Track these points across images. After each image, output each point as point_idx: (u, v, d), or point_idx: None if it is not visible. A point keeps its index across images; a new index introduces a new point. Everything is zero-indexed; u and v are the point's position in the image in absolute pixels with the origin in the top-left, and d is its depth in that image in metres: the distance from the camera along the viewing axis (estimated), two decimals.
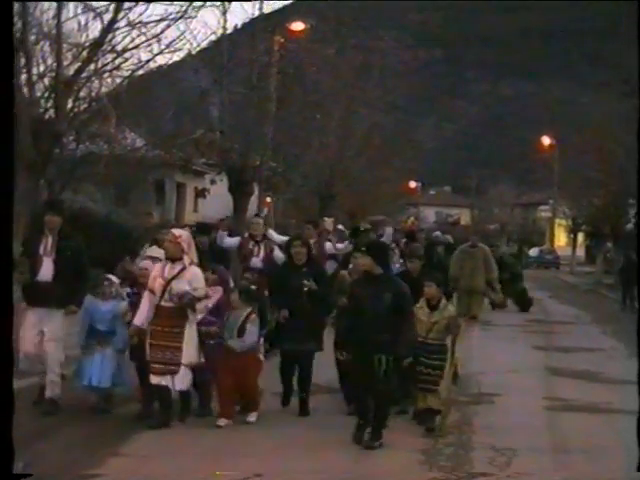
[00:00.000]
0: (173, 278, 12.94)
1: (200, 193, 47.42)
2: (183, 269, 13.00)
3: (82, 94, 21.21)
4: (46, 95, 20.70)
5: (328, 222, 25.01)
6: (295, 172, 37.22)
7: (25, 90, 19.74)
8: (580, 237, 72.98)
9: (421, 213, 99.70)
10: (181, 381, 12.98)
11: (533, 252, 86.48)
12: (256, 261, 18.66)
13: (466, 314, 25.60)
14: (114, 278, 14.34)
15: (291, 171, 36.94)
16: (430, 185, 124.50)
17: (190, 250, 13.20)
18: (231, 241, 19.77)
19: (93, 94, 21.57)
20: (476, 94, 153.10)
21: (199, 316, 13.21)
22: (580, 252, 74.39)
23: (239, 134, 32.20)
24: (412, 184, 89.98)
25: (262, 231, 19.24)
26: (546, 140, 74.38)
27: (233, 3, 28.49)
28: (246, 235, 19.85)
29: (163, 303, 12.92)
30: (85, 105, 21.62)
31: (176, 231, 13.61)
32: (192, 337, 13.05)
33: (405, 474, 10.95)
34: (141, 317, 13.07)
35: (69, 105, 20.76)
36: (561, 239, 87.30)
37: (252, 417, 13.61)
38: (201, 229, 18.86)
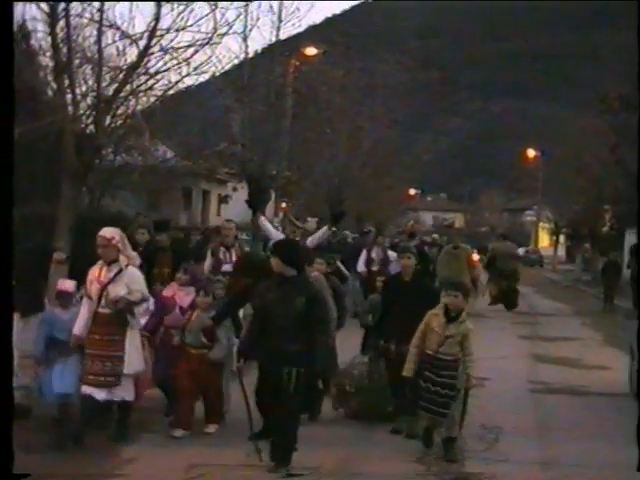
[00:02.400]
0: (109, 282, 10.87)
1: (223, 199, 47.48)
2: (120, 271, 10.92)
3: (119, 111, 21.28)
4: (88, 112, 20.74)
5: (311, 222, 23.20)
6: (307, 180, 37.24)
7: (70, 108, 19.81)
8: (561, 238, 72.78)
9: (420, 217, 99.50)
10: (123, 391, 10.92)
11: (520, 251, 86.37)
12: (227, 267, 15.56)
13: None
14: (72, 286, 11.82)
15: (304, 179, 36.94)
16: (428, 192, 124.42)
17: (126, 250, 11.13)
18: (271, 230, 17.19)
19: (129, 111, 21.66)
20: (469, 111, 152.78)
21: (142, 320, 11.29)
22: (561, 252, 74.17)
23: (258, 147, 32.17)
24: (412, 191, 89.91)
25: (233, 237, 16.33)
26: (531, 152, 74.27)
27: (253, 31, 28.48)
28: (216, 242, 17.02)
29: (100, 309, 10.82)
30: (122, 121, 21.73)
31: (107, 232, 11.12)
32: (134, 344, 10.99)
33: (401, 446, 11.00)
34: (80, 326, 11.01)
35: (108, 121, 20.81)
36: (544, 240, 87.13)
37: (211, 428, 11.57)
38: (159, 226, 16.45)
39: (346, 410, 12.76)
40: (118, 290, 10.81)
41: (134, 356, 10.91)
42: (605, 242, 48.26)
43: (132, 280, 10.96)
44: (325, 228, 17.03)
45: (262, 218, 17.75)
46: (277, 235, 16.46)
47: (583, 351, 20.61)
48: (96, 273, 11.02)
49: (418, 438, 11.12)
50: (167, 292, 12.43)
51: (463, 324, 10.94)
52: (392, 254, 21.43)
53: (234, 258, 15.59)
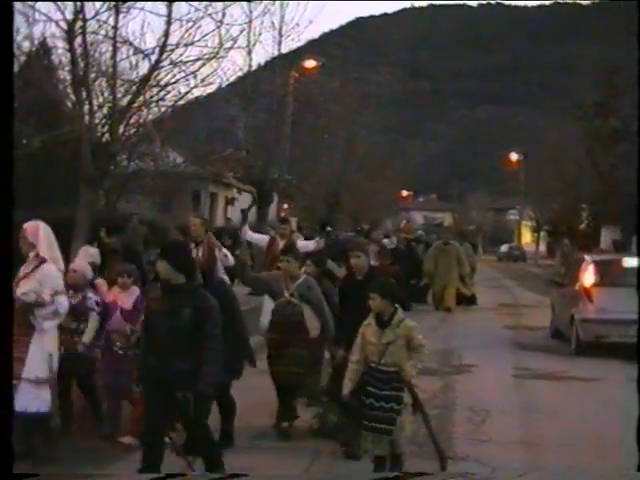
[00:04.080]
0: (23, 277, 9.34)
1: (229, 201, 47.42)
2: (35, 268, 9.36)
3: (132, 121, 21.33)
4: (103, 122, 20.82)
5: (291, 221, 21.88)
6: (307, 183, 37.28)
7: (87, 118, 19.85)
8: (542, 235, 72.78)
9: (411, 217, 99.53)
10: (23, 399, 8.91)
11: (504, 248, 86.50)
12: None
13: (440, 306, 25.47)
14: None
15: (304, 182, 36.98)
16: (419, 193, 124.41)
17: (40, 244, 9.36)
18: (259, 237, 16.45)
19: (141, 121, 21.69)
20: (456, 118, 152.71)
21: (47, 324, 9.24)
22: (542, 248, 74.12)
23: (261, 152, 32.35)
24: (404, 193, 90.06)
25: (202, 232, 13.66)
26: (513, 156, 74.31)
27: (256, 46, 28.56)
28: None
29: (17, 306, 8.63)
30: (135, 130, 21.76)
31: (27, 224, 9.52)
32: (40, 348, 9.16)
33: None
34: None
35: (122, 130, 20.88)
36: (527, 237, 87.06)
37: (127, 439, 9.78)
38: (111, 229, 14.88)
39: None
40: (28, 287, 9.23)
41: (36, 360, 9.09)
42: (583, 238, 48.32)
43: (46, 279, 9.32)
44: (317, 239, 16.30)
45: (246, 230, 16.24)
46: (264, 240, 15.91)
47: (562, 340, 20.61)
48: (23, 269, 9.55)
49: (358, 459, 9.58)
50: (108, 297, 10.83)
51: (401, 326, 9.04)
52: (385, 240, 21.12)
53: (201, 254, 13.42)
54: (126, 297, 10.63)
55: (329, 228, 28.78)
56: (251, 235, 16.25)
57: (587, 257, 20.30)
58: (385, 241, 20.86)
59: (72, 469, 8.19)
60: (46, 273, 9.34)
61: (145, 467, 7.86)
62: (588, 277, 18.59)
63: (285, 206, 41.18)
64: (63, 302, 9.47)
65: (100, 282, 11.24)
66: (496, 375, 15.44)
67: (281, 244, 14.27)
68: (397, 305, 9.19)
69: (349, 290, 10.54)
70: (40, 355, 9.15)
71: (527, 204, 73.99)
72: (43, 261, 9.36)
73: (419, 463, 9.05)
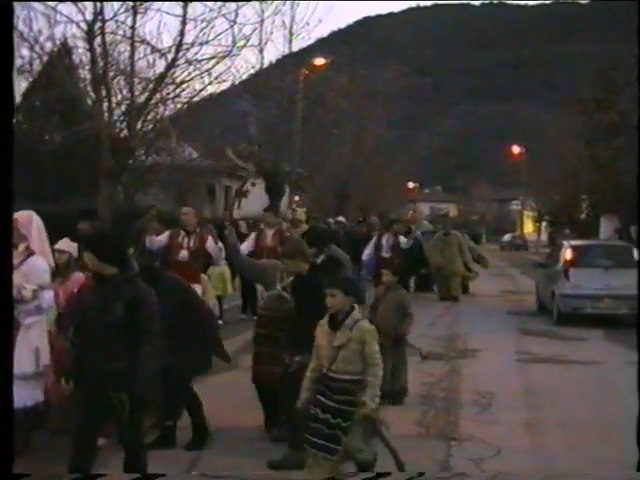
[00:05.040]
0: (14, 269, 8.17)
1: (243, 194, 47.41)
2: (23, 260, 8.64)
3: (150, 117, 21.43)
4: (122, 118, 20.91)
5: (299, 212, 20.14)
6: (317, 176, 37.26)
7: (106, 115, 19.92)
8: (543, 225, 72.72)
9: (418, 208, 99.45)
10: (31, 393, 8.52)
11: (507, 237, 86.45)
12: (184, 254, 13.01)
13: (446, 296, 25.23)
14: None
15: (314, 175, 36.96)
16: (425, 185, 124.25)
17: (31, 236, 8.76)
18: (245, 246, 14.22)
19: (158, 117, 21.76)
20: (460, 113, 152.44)
21: (30, 319, 8.55)
22: (544, 237, 74.05)
23: (273, 146, 32.35)
24: (410, 185, 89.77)
25: (193, 222, 13.18)
26: (516, 149, 74.27)
27: (267, 44, 28.53)
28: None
29: None
30: (152, 126, 21.83)
31: (18, 213, 8.73)
32: (26, 343, 8.52)
33: (405, 409, 11.02)
34: None
35: (139, 126, 20.96)
36: (529, 227, 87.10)
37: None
38: (84, 214, 12.98)
39: None
40: (15, 279, 8.10)
41: (22, 355, 8.28)
42: (583, 227, 48.29)
43: (30, 272, 8.64)
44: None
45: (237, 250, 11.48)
46: (250, 241, 14.10)
47: (563, 325, 20.60)
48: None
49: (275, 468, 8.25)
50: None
51: (356, 327, 7.50)
52: (403, 239, 20.43)
53: (192, 244, 13.10)
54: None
55: (340, 218, 28.74)
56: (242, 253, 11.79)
57: (565, 242, 23.69)
58: (402, 240, 20.17)
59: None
60: (33, 266, 8.67)
61: (74, 468, 6.99)
62: (566, 258, 21.39)
63: (296, 198, 41.18)
64: (47, 297, 8.76)
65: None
66: (500, 359, 15.43)
67: (269, 233, 13.19)
68: (355, 304, 7.69)
69: (295, 288, 8.99)
70: (26, 350, 8.46)
71: (529, 195, 74.08)
72: (31, 254, 8.70)
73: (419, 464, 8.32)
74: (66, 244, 9.47)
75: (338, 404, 7.41)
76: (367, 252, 20.16)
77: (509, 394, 12.15)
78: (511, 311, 23.67)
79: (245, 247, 13.93)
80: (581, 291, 20.37)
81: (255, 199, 32.62)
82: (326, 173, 37.41)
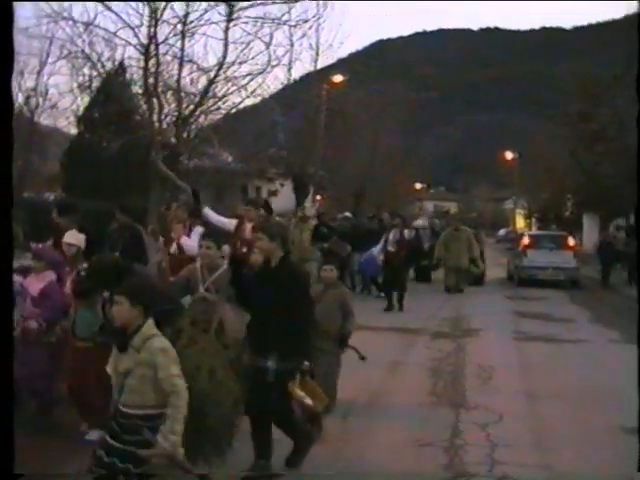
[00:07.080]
0: None
1: (272, 193, 47.45)
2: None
3: (194, 127, 21.52)
4: (170, 128, 21.03)
5: (308, 208, 20.09)
6: (338, 178, 37.28)
7: (156, 125, 20.05)
8: (533, 221, 72.49)
9: (424, 206, 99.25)
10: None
11: (501, 232, 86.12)
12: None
13: (452, 289, 23.96)
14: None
15: (335, 177, 36.97)
16: (430, 186, 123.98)
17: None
18: (221, 220, 11.21)
19: (201, 126, 21.88)
20: (461, 123, 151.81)
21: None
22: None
23: (299, 152, 32.43)
24: (418, 185, 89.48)
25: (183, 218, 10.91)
26: (509, 154, 73.98)
27: (296, 63, 28.52)
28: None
29: None
30: (195, 134, 21.95)
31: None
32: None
33: (418, 381, 11.02)
34: None
35: (185, 134, 21.07)
36: (520, 223, 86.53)
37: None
38: (61, 209, 10.27)
39: None
40: None
41: None
42: (567, 224, 48.23)
43: None
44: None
45: (206, 209, 11.27)
46: (230, 222, 11.08)
47: (554, 307, 20.58)
48: None
49: None
50: (26, 281, 8.30)
51: (145, 346, 5.23)
52: (407, 232, 19.89)
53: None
54: (36, 282, 8.16)
55: (347, 214, 28.65)
56: (212, 216, 11.18)
57: (524, 232, 32.67)
58: (406, 232, 19.49)
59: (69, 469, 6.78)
60: None
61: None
62: (524, 243, 27.69)
63: (318, 197, 41.21)
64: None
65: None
66: (499, 338, 15.42)
67: (248, 228, 10.71)
68: (151, 318, 5.39)
69: (258, 282, 6.99)
70: None
71: (521, 195, 73.74)
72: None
73: (418, 464, 7.60)
74: (74, 237, 8.78)
75: (124, 445, 5.21)
76: (378, 248, 19.31)
77: (508, 367, 12.16)
78: (508, 296, 23.66)
79: (219, 220, 11.21)
80: (534, 264, 26.53)
81: (284, 198, 32.78)
82: (345, 175, 37.40)
